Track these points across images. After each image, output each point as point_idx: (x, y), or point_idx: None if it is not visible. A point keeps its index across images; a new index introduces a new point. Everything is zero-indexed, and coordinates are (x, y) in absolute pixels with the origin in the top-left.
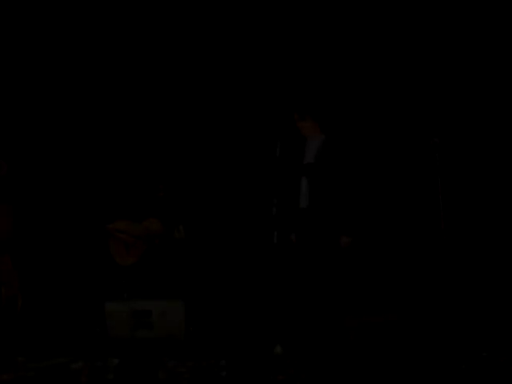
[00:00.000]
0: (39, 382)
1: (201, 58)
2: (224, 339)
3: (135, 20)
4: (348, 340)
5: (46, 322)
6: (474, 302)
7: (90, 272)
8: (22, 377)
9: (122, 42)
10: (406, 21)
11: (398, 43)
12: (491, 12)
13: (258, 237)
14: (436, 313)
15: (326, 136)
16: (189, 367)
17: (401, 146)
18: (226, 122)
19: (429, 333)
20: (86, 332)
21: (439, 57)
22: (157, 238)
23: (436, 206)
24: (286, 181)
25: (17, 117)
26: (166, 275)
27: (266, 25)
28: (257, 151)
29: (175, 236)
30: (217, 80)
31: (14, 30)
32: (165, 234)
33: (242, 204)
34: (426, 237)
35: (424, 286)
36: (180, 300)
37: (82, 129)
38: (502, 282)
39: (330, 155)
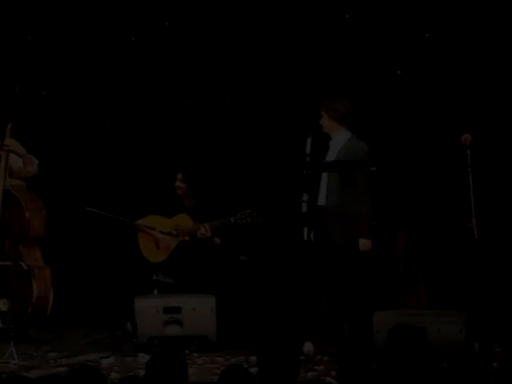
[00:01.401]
0: (70, 378)
1: (232, 51)
2: (254, 336)
3: (151, 14)
4: (377, 337)
5: (76, 318)
6: (485, 296)
7: (120, 268)
8: (54, 373)
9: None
10: (439, 14)
11: (432, 35)
12: None
13: (287, 234)
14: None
15: (352, 134)
16: (219, 363)
17: (431, 142)
18: (256, 118)
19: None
20: (117, 328)
21: (473, 52)
22: (187, 234)
23: (467, 202)
24: (315, 178)
25: (46, 115)
26: (196, 272)
27: (303, 16)
28: (287, 148)
29: (200, 234)
30: (249, 76)
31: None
32: (195, 230)
33: (271, 201)
34: (455, 232)
35: (451, 281)
36: (210, 296)
37: (109, 125)
38: None
39: (351, 153)
